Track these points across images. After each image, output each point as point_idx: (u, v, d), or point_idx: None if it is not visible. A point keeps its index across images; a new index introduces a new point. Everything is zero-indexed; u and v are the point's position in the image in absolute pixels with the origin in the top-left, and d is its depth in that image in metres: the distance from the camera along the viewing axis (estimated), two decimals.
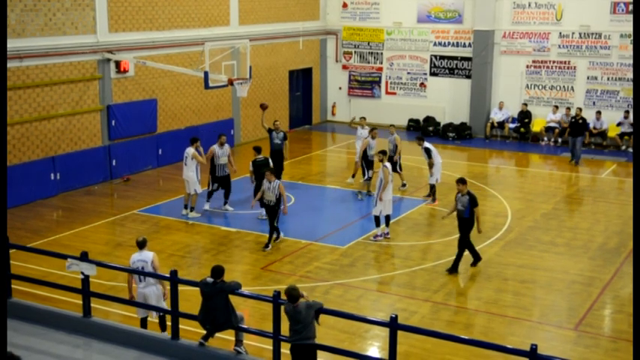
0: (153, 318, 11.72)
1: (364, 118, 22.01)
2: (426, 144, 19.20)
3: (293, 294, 9.23)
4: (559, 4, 26.36)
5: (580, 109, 24.36)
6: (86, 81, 20.47)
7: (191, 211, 18.05)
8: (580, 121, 23.68)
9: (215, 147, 18.05)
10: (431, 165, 18.97)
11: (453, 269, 14.47)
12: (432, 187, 19.14)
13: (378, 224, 16.48)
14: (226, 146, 18.22)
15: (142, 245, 11.54)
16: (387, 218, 16.48)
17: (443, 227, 17.31)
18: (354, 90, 30.32)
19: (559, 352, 11.18)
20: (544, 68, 26.88)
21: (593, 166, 23.73)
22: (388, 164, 16.42)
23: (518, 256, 15.52)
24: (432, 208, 18.68)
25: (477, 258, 14.79)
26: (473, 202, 14.33)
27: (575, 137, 23.58)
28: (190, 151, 17.80)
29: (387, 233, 16.42)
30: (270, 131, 19.57)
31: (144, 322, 11.69)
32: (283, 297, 9.68)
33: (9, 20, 18.00)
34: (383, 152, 16.74)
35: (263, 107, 20.11)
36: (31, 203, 18.83)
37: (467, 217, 14.39)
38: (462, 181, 14.61)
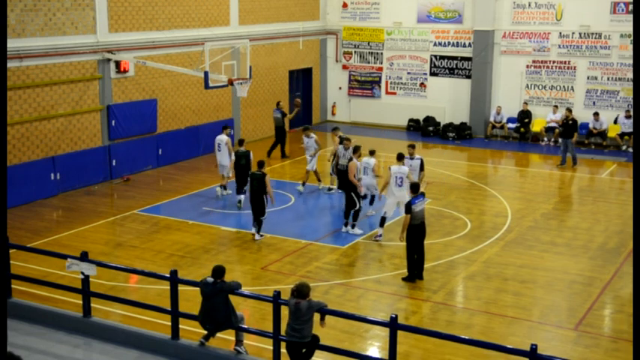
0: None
1: (308, 128, 20.80)
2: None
3: (303, 291, 9.28)
4: (559, 4, 26.36)
5: (570, 111, 24.16)
6: (86, 81, 20.47)
7: (224, 189, 19.66)
8: (570, 122, 23.47)
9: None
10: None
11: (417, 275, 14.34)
12: None
13: (382, 224, 16.48)
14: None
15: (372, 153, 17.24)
16: (383, 219, 16.50)
17: (443, 227, 17.31)
18: (354, 90, 30.32)
19: (559, 352, 11.18)
20: (544, 68, 26.88)
21: (593, 166, 23.73)
22: (393, 167, 16.35)
23: (518, 256, 15.52)
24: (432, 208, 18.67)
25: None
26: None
27: (567, 139, 23.26)
28: (224, 138, 19.16)
29: (380, 235, 16.42)
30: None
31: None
32: (284, 297, 9.71)
33: (9, 20, 18.00)
34: (400, 156, 16.59)
35: (297, 104, 24.68)
36: (31, 203, 18.83)
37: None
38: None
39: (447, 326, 12.21)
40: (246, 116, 26.38)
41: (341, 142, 18.29)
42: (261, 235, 16.37)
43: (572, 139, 23.30)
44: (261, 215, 16.28)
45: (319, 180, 20.42)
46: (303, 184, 20.17)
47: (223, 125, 19.99)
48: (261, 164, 16.30)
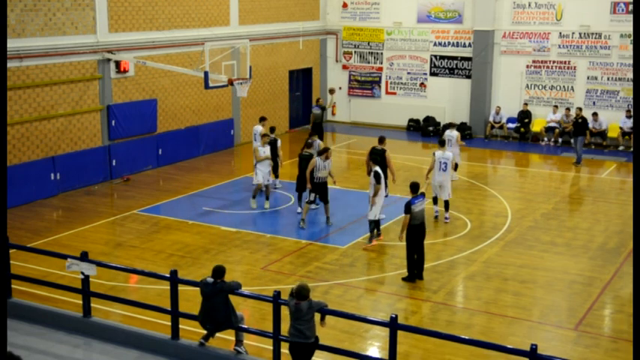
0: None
1: (267, 136, 18.96)
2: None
3: (302, 293, 9.25)
4: (559, 4, 26.36)
5: (580, 109, 24.35)
6: (86, 81, 20.47)
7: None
8: (580, 120, 23.68)
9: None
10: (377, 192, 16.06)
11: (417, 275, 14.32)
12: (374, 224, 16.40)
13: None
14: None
15: (442, 144, 17.88)
16: (435, 199, 17.69)
17: (443, 227, 17.31)
18: (354, 90, 30.33)
19: (559, 352, 11.18)
20: (544, 68, 26.88)
21: (593, 166, 23.73)
22: (437, 152, 17.44)
23: (518, 256, 15.53)
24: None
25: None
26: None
27: (576, 137, 23.54)
28: (259, 128, 20.19)
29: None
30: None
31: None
32: (284, 297, 9.70)
33: (9, 20, 18.00)
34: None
35: (331, 92, 25.56)
36: (31, 203, 18.83)
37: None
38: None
39: (447, 326, 12.21)
40: (246, 116, 26.37)
41: (320, 154, 17.03)
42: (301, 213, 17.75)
43: (582, 137, 23.43)
44: (304, 190, 17.82)
45: (267, 198, 18.63)
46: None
47: (261, 117, 21.17)
48: (308, 146, 18.25)
